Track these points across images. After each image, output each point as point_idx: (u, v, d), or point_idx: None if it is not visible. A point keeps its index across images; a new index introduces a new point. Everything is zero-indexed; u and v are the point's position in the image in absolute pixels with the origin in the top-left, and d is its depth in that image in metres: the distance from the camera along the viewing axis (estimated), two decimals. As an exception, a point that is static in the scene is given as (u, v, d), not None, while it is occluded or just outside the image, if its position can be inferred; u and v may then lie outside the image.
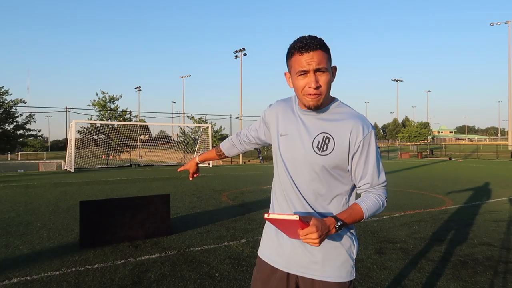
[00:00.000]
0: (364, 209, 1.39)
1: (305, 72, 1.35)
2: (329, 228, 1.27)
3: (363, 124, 1.42)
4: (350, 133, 1.40)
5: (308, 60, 1.33)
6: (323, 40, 1.38)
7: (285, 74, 1.48)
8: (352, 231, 1.50)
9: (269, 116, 1.61)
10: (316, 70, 1.34)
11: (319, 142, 1.42)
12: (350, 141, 1.40)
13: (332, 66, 1.41)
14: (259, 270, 1.59)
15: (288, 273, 1.49)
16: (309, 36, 1.36)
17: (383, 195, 1.45)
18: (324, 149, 1.41)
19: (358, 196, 1.52)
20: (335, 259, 1.44)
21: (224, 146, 1.92)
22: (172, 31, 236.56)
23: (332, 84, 1.41)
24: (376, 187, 1.45)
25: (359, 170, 1.43)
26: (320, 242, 1.22)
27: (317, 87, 1.35)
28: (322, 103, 1.41)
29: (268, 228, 1.60)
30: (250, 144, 1.82)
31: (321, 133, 1.43)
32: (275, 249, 1.53)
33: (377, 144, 1.48)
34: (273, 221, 1.26)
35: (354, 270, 1.47)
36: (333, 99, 1.48)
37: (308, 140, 1.44)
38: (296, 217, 1.17)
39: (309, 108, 1.41)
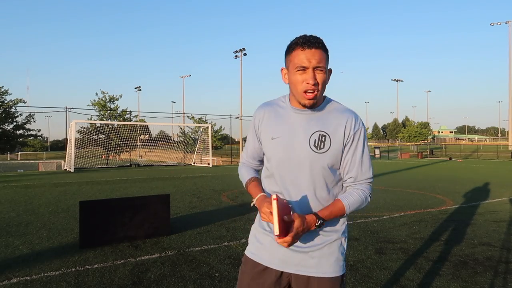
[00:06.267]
0: (346, 205, 1.43)
1: (304, 68, 1.37)
2: (309, 226, 1.34)
3: (355, 119, 1.47)
4: (344, 127, 1.45)
5: (309, 56, 1.35)
6: (323, 41, 1.41)
7: (282, 69, 1.48)
8: (344, 226, 1.52)
9: (258, 122, 1.55)
10: (315, 68, 1.36)
11: (315, 140, 1.44)
12: (344, 134, 1.45)
13: (328, 68, 1.43)
14: (248, 266, 1.55)
15: (282, 272, 1.49)
16: (311, 35, 1.39)
17: (367, 190, 1.49)
18: (322, 146, 1.43)
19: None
20: (330, 255, 1.47)
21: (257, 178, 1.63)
22: (172, 30, 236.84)
23: (326, 85, 1.43)
24: (360, 182, 1.48)
25: (346, 162, 1.47)
26: (292, 244, 1.29)
27: (315, 84, 1.37)
28: (317, 101, 1.43)
29: (257, 230, 1.58)
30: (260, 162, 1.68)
31: (316, 131, 1.44)
32: (268, 250, 1.51)
33: (367, 143, 1.53)
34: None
35: (344, 264, 1.52)
36: (325, 98, 1.51)
37: (304, 139, 1.44)
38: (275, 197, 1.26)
39: (304, 106, 1.42)
